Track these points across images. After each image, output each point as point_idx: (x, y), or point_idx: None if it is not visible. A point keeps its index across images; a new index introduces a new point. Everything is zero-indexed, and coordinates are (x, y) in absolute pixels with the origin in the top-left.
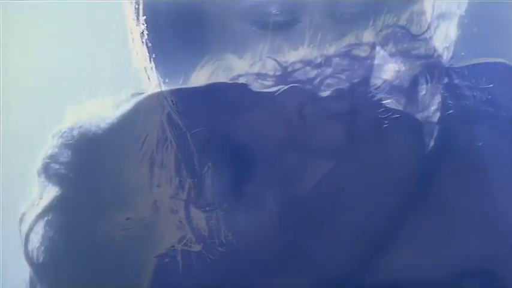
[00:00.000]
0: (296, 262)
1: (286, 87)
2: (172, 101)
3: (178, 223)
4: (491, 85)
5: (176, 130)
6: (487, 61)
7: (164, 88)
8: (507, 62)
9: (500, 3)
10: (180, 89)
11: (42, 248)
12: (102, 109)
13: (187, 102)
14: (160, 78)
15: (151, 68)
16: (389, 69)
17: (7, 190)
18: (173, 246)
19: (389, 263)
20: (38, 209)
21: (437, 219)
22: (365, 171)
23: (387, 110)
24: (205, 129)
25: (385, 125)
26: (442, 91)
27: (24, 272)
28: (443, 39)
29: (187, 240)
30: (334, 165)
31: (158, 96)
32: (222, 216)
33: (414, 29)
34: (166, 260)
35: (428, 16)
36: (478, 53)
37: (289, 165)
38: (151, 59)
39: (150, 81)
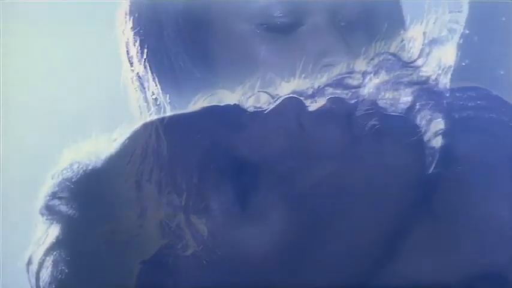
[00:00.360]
0: (296, 264)
1: (282, 98)
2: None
3: (175, 227)
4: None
5: (174, 138)
6: (471, 85)
7: (162, 95)
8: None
9: (499, 9)
10: (175, 114)
11: (54, 286)
12: (97, 145)
13: (183, 121)
14: (159, 84)
15: (153, 73)
16: (382, 97)
17: (6, 190)
18: (169, 249)
19: (392, 266)
20: (45, 246)
21: (441, 223)
22: (367, 177)
23: (385, 116)
24: (205, 137)
25: (384, 131)
26: (439, 114)
27: (24, 272)
28: (438, 64)
29: (183, 244)
30: (336, 169)
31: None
32: (221, 221)
33: (406, 56)
34: (159, 264)
35: (419, 43)
36: (479, 61)
37: (287, 169)
38: (152, 69)
39: (148, 88)
